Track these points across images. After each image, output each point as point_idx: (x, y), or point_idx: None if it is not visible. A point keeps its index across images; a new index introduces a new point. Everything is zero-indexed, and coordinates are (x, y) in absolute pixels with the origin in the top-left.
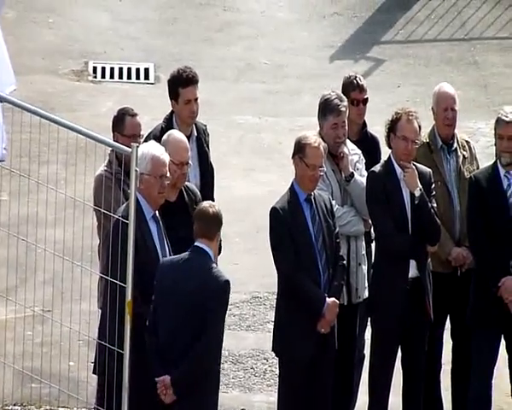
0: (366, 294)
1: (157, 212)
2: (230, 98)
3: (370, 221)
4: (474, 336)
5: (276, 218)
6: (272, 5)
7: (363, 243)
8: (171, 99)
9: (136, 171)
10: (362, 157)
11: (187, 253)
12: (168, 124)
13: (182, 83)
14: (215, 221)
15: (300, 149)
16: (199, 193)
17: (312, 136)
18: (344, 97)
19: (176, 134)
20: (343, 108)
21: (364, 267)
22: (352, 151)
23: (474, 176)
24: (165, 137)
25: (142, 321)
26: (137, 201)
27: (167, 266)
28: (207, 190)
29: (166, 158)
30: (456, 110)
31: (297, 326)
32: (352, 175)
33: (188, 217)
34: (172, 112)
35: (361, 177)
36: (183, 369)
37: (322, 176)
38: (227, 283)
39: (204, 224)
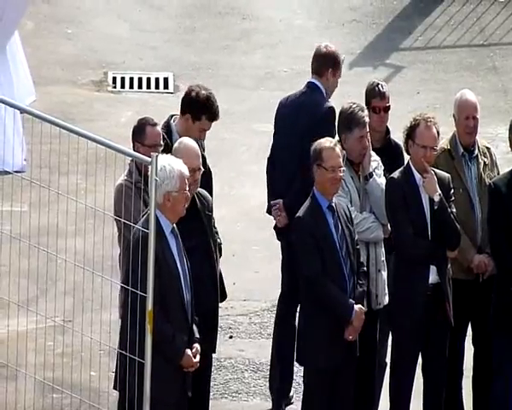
0: (386, 300)
1: (175, 225)
2: (250, 106)
3: (390, 227)
4: (495, 341)
5: (301, 226)
6: (291, 13)
7: (383, 249)
8: (187, 113)
9: (155, 180)
10: (380, 164)
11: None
12: (167, 132)
13: (209, 115)
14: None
15: (317, 155)
16: (211, 199)
17: (326, 140)
18: (364, 107)
19: (187, 141)
20: (367, 119)
21: (384, 274)
22: (371, 158)
23: (493, 183)
24: (176, 144)
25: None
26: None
27: (285, 101)
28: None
29: (187, 170)
30: (477, 118)
31: (322, 336)
32: (370, 175)
33: (200, 224)
34: (170, 118)
35: (379, 181)
36: (293, 191)
37: (341, 183)
38: (332, 108)
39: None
